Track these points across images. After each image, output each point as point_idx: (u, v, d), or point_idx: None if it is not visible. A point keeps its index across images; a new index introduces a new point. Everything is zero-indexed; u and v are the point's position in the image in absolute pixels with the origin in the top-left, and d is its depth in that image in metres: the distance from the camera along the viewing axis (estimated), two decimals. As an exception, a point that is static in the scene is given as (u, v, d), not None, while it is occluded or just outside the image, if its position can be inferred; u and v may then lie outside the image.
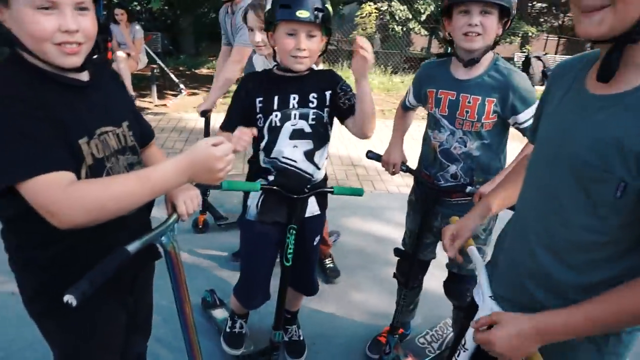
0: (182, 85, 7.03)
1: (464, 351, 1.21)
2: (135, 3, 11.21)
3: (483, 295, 1.17)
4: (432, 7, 10.41)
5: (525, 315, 0.93)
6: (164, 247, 1.19)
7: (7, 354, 2.05)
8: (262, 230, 1.75)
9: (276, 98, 1.60)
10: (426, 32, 11.80)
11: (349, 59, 10.20)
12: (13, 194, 0.93)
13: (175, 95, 6.92)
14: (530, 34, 11.92)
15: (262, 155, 1.68)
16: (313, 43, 1.52)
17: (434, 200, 1.74)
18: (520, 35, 11.65)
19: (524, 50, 11.20)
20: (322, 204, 1.82)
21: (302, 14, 1.44)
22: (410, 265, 1.85)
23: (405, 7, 10.40)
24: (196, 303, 2.39)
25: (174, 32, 11.37)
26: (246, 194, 1.77)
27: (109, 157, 1.10)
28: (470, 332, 1.18)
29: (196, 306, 2.38)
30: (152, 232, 1.14)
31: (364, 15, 10.91)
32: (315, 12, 1.45)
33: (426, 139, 1.81)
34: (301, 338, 2.15)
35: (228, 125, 1.64)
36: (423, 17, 10.62)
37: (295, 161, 1.65)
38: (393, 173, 1.91)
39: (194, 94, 7.23)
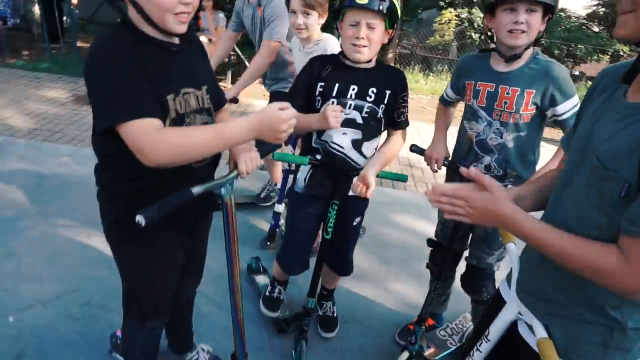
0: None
1: (486, 342, 1.25)
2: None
3: (511, 289, 1.21)
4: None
5: (508, 204, 0.99)
6: (222, 197, 1.34)
7: (77, 287, 2.34)
8: (307, 203, 1.88)
9: (336, 86, 1.69)
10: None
11: (421, 63, 10.12)
12: (113, 135, 1.12)
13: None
14: (622, 52, 11.16)
15: (314, 135, 1.79)
16: (374, 33, 1.58)
17: None
18: (610, 53, 10.94)
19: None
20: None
21: (362, 0, 1.51)
22: (445, 256, 1.89)
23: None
24: (242, 269, 2.57)
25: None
26: (297, 168, 1.90)
27: (189, 114, 1.27)
28: (495, 324, 1.23)
29: (242, 272, 2.55)
30: (214, 181, 1.30)
31: (443, 21, 10.76)
32: (379, 1, 1.52)
33: (461, 131, 1.84)
34: (335, 315, 2.26)
35: (290, 102, 1.78)
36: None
37: (342, 147, 1.76)
38: (435, 170, 1.93)
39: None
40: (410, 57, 10.53)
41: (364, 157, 1.79)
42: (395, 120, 1.78)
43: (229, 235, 1.41)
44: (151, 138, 1.09)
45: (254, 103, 6.21)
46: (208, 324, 2.15)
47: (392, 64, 7.53)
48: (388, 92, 1.71)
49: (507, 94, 1.65)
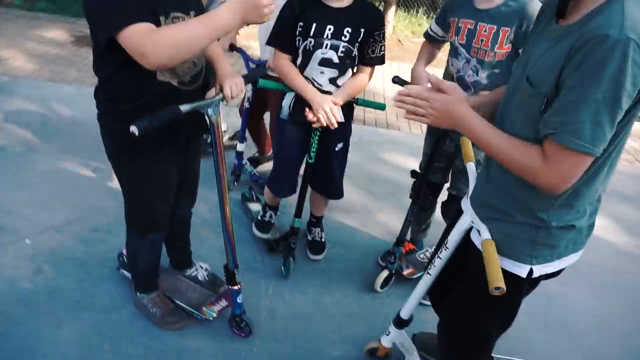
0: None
1: (445, 249, 1.42)
2: None
3: (467, 201, 1.36)
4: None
5: (465, 106, 1.10)
6: (209, 117, 1.47)
7: (86, 215, 2.53)
8: (292, 129, 2.02)
9: (314, 26, 1.77)
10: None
11: (426, 4, 9.83)
12: (114, 51, 1.23)
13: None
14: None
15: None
16: None
17: None
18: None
19: None
20: (347, 114, 2.00)
21: None
22: (420, 184, 2.04)
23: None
24: (237, 199, 2.76)
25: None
26: (282, 96, 2.01)
27: None
28: (452, 233, 1.39)
29: (237, 201, 2.75)
30: (200, 102, 1.42)
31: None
32: None
33: (446, 68, 1.93)
34: (323, 240, 2.45)
35: (278, 41, 1.86)
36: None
37: (321, 85, 1.88)
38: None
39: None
40: (415, -1, 10.19)
41: (339, 87, 1.91)
42: (365, 56, 1.85)
43: (216, 152, 1.55)
44: (147, 39, 1.19)
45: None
46: (207, 247, 2.35)
47: (393, 4, 7.36)
48: (362, 30, 1.78)
49: (485, 31, 1.71)
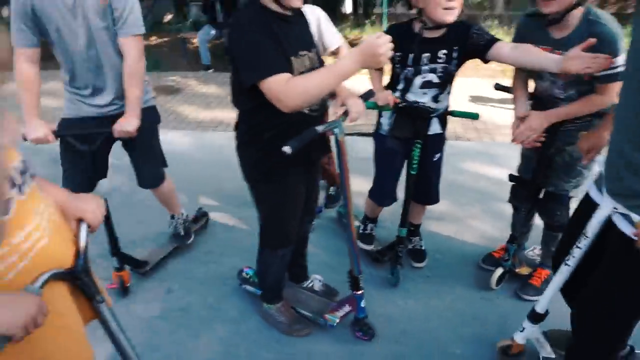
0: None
1: (585, 238, 1.47)
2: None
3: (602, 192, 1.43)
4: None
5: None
6: (336, 135, 1.64)
7: (196, 242, 2.76)
8: (392, 143, 2.16)
9: (411, 56, 1.94)
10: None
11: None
12: (254, 92, 1.45)
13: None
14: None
15: (397, 93, 2.05)
16: None
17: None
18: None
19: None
20: (443, 124, 2.15)
21: None
22: (530, 190, 2.09)
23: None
24: (331, 216, 2.93)
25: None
26: (379, 113, 2.17)
27: (305, 72, 1.55)
28: (592, 223, 1.44)
29: (331, 217, 2.92)
30: (330, 123, 1.60)
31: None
32: None
33: (535, 88, 2.02)
34: (423, 248, 2.54)
35: None
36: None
37: (424, 102, 2.03)
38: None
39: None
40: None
41: (442, 104, 2.06)
42: (486, 43, 1.83)
43: (342, 165, 1.72)
44: (285, 88, 1.40)
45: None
46: (316, 262, 2.50)
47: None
48: (456, 48, 1.91)
49: None
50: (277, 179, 1.70)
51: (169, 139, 4.25)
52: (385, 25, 9.48)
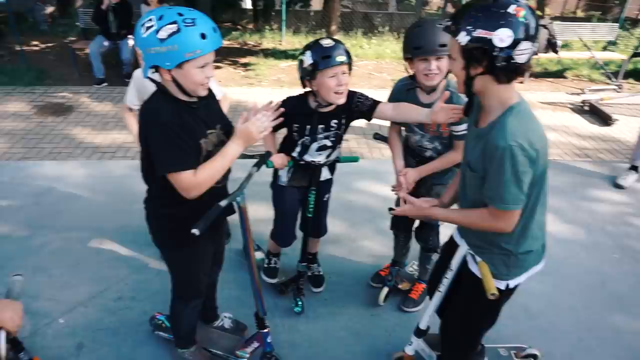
0: (207, 60, 7.57)
1: (450, 271, 1.86)
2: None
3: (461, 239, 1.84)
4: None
5: (426, 203, 1.82)
6: (238, 204, 1.87)
7: (107, 287, 2.82)
8: (290, 192, 2.45)
9: (308, 128, 2.20)
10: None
11: (363, 26, 10.51)
12: (163, 177, 1.62)
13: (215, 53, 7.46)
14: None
15: (295, 154, 2.30)
16: (347, 78, 2.05)
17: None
18: (533, -4, 11.67)
19: (537, 14, 11.28)
20: (332, 170, 2.49)
21: (341, 58, 1.97)
22: (402, 221, 2.51)
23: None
24: (239, 248, 3.13)
25: (193, 2, 11.75)
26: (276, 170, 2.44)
27: (213, 150, 1.74)
28: (455, 258, 1.82)
29: (240, 251, 3.12)
30: (232, 195, 1.81)
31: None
32: (347, 55, 2.00)
33: (406, 138, 2.42)
34: (321, 273, 2.87)
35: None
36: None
37: (319, 161, 2.33)
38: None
39: (217, 67, 7.79)
40: (352, 17, 10.88)
41: (332, 157, 2.37)
42: (369, 108, 2.16)
43: (245, 230, 1.95)
44: (192, 181, 1.61)
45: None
46: (225, 296, 2.70)
47: (336, 34, 7.91)
48: (344, 117, 2.22)
49: None
50: (187, 246, 1.88)
51: (65, 171, 4.13)
52: (284, 33, 9.70)
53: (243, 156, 1.88)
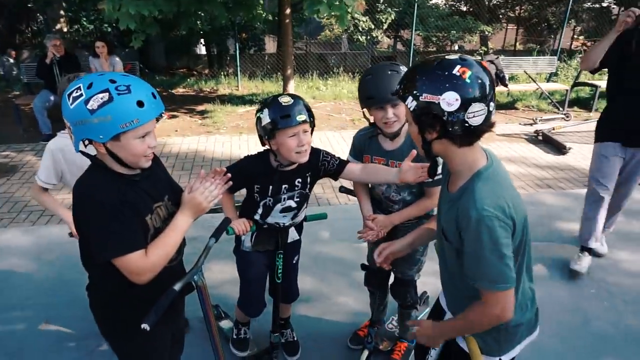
0: (162, 109, 7.39)
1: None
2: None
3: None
4: (392, 16, 10.96)
5: (434, 323, 1.57)
6: (196, 282, 1.67)
7: None
8: (255, 257, 2.25)
9: (270, 188, 2.04)
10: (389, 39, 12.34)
11: (318, 67, 10.68)
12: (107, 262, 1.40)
13: (157, 120, 7.26)
14: (487, 32, 12.64)
15: (257, 217, 2.13)
16: (309, 136, 1.92)
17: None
18: (477, 33, 12.35)
19: (481, 50, 11.89)
20: (299, 230, 2.33)
21: (301, 117, 1.84)
22: (377, 277, 2.36)
23: (367, 17, 10.92)
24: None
25: (146, 49, 11.62)
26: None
27: (162, 225, 1.55)
28: None
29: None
30: (187, 274, 1.62)
31: (335, 22, 11.38)
32: (308, 113, 1.87)
33: (372, 187, 2.29)
34: (295, 339, 2.65)
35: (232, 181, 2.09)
36: (385, 26, 11.16)
37: (284, 223, 2.16)
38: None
39: (173, 116, 7.61)
40: (306, 59, 11.04)
41: (298, 218, 2.21)
42: (336, 170, 2.08)
43: (205, 308, 1.75)
44: (143, 264, 1.41)
45: (167, 141, 6.30)
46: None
47: (292, 78, 7.94)
48: (308, 175, 2.08)
49: (396, 166, 2.06)
50: (138, 335, 1.63)
51: (7, 240, 3.76)
52: (240, 78, 9.68)
53: (210, 210, 1.69)
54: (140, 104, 1.33)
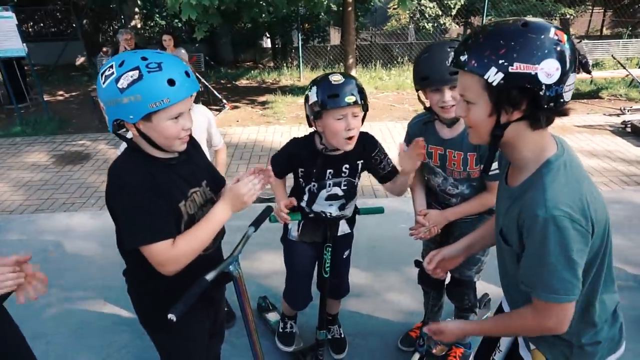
0: (224, 101, 7.55)
1: (499, 352, 1.50)
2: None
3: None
4: (462, 1, 10.38)
5: (457, 323, 1.40)
6: (232, 273, 1.58)
7: (108, 354, 2.55)
8: (302, 247, 2.14)
9: (314, 172, 1.92)
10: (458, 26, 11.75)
11: (382, 57, 10.39)
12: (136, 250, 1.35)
13: (219, 110, 7.44)
14: (569, 16, 11.61)
15: (304, 204, 2.03)
16: (358, 121, 1.77)
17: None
18: (557, 17, 11.39)
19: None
20: (351, 223, 2.17)
21: (350, 99, 1.67)
22: (431, 276, 2.15)
23: (434, 2, 10.44)
24: (253, 308, 2.83)
25: (214, 43, 11.97)
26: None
27: (197, 212, 1.49)
28: (503, 338, 1.47)
29: (253, 311, 2.82)
30: (222, 263, 1.53)
31: (397, 5, 11.01)
32: (359, 94, 1.70)
33: (428, 180, 2.07)
34: (342, 336, 2.52)
35: (276, 171, 1.96)
36: (454, 12, 10.62)
37: (330, 213, 2.02)
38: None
39: (235, 107, 7.73)
40: (370, 50, 10.79)
41: (347, 210, 2.06)
42: (384, 174, 1.99)
43: (242, 302, 1.66)
44: (169, 255, 1.33)
45: (228, 131, 6.40)
46: (233, 367, 2.40)
47: (354, 68, 7.77)
48: (360, 162, 1.93)
49: (454, 157, 1.87)
50: (176, 329, 1.56)
51: (75, 223, 3.96)
52: (302, 69, 9.66)
53: (258, 200, 1.59)
54: (171, 82, 1.26)
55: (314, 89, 1.75)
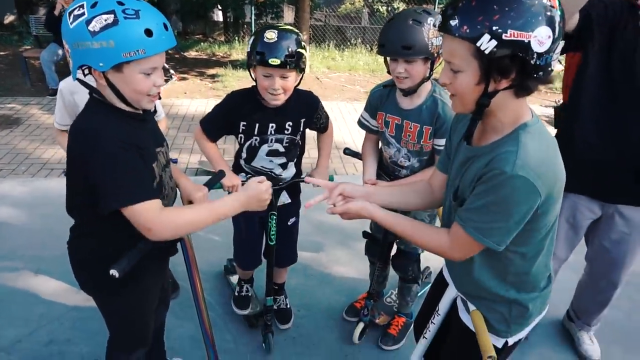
0: (172, 71, 7.23)
1: (438, 315, 1.54)
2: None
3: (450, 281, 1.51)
4: (416, -14, 10.52)
5: (366, 204, 1.36)
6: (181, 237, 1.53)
7: (37, 327, 2.41)
8: (246, 216, 2.08)
9: (257, 125, 1.89)
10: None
11: (336, 38, 10.35)
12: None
13: (166, 81, 7.09)
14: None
15: (242, 162, 2.01)
16: (287, 82, 1.76)
17: None
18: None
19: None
20: (293, 194, 2.17)
21: (274, 61, 1.66)
22: (382, 248, 2.20)
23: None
24: (219, 271, 2.82)
25: (161, 11, 11.36)
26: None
27: (162, 173, 1.41)
28: (443, 301, 1.51)
29: (219, 273, 2.82)
30: None
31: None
32: (287, 58, 1.67)
33: (381, 151, 2.13)
34: (288, 306, 2.53)
35: (212, 131, 1.97)
36: (407, -4, 10.75)
37: (271, 169, 2.01)
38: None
39: (183, 78, 7.44)
40: (324, 30, 10.71)
41: (289, 171, 2.06)
42: (318, 127, 2.06)
43: (190, 267, 1.61)
44: (157, 218, 1.24)
45: (175, 102, 6.16)
46: (176, 336, 2.33)
47: (307, 45, 7.69)
48: (303, 120, 1.94)
49: (410, 128, 1.90)
50: (128, 291, 1.49)
51: (4, 190, 3.68)
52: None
53: (203, 172, 1.55)
54: (148, 32, 1.17)
55: (252, 40, 1.75)
